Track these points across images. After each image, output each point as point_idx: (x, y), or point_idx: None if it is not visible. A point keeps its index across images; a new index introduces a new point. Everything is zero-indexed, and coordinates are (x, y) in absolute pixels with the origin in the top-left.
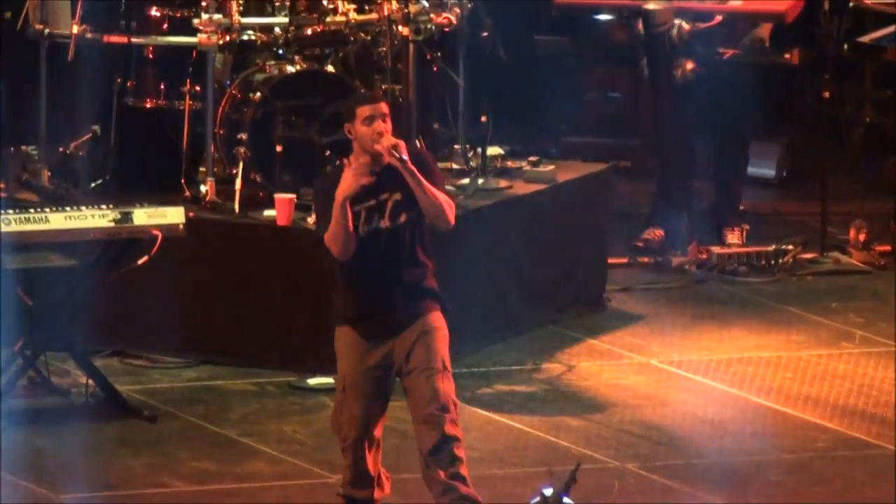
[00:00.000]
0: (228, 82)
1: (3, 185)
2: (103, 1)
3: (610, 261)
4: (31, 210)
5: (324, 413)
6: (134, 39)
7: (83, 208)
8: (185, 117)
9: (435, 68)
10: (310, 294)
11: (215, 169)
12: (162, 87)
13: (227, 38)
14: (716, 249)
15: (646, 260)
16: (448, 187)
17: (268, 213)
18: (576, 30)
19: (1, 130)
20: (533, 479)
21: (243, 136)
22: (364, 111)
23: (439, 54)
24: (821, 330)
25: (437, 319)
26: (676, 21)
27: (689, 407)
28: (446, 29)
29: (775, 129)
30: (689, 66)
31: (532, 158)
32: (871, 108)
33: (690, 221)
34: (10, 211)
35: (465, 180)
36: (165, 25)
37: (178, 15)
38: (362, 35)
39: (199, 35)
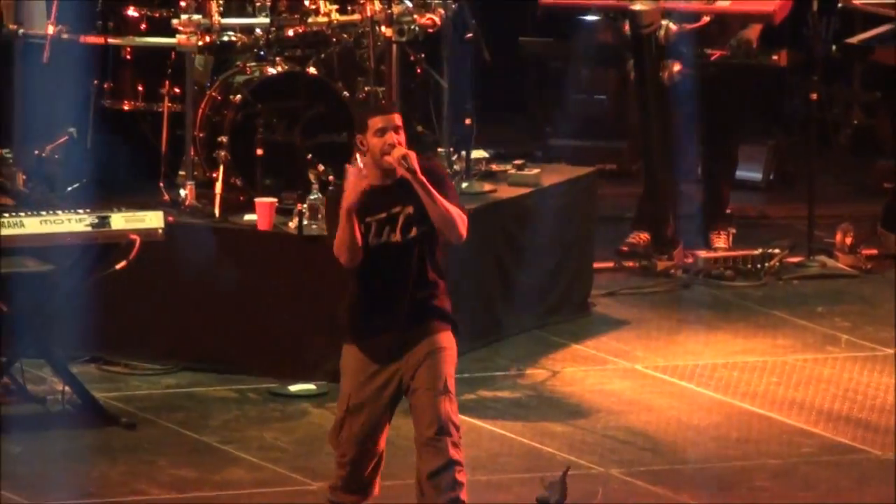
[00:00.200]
0: (208, 84)
1: None
2: (80, 1)
3: (595, 265)
4: (6, 214)
5: (305, 420)
6: (111, 40)
7: (59, 212)
8: (164, 120)
9: (418, 70)
10: (291, 300)
11: (195, 172)
12: (140, 88)
13: (207, 39)
14: (702, 253)
15: (631, 264)
16: None
17: (248, 217)
18: (562, 31)
19: None
20: (517, 485)
21: (223, 138)
22: (376, 122)
23: (423, 56)
24: (807, 334)
25: (446, 339)
26: (663, 22)
27: (674, 412)
28: (430, 30)
29: (762, 131)
30: (676, 67)
31: (517, 162)
32: (860, 110)
33: (677, 225)
34: None
35: None
36: (144, 26)
37: (157, 15)
38: (345, 36)
39: (178, 36)
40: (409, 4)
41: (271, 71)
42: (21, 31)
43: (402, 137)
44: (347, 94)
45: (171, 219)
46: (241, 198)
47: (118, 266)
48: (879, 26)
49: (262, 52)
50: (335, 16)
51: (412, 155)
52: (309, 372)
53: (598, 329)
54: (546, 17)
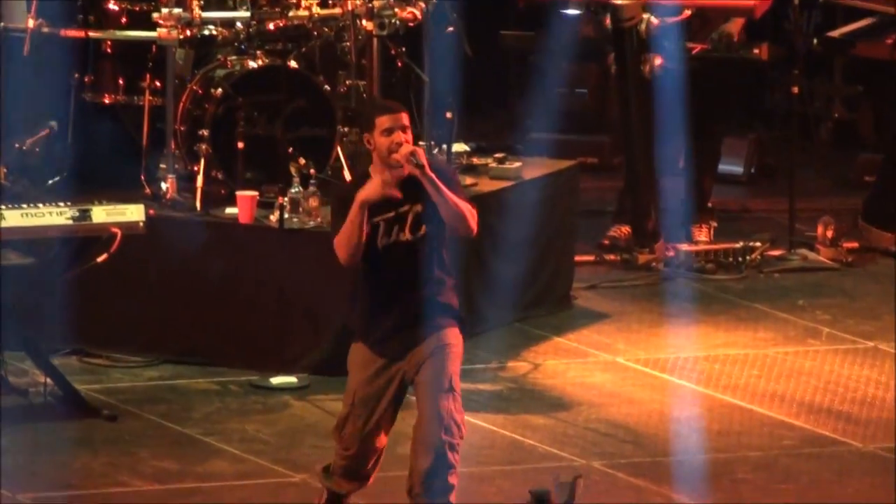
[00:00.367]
0: (189, 78)
1: None
2: None
3: (577, 258)
4: None
5: (286, 412)
6: (92, 34)
7: (40, 206)
8: (145, 113)
9: (399, 64)
10: (272, 293)
11: (176, 166)
12: (121, 82)
13: (188, 32)
14: (683, 246)
15: (612, 257)
16: None
17: (230, 210)
18: (543, 25)
19: None
20: (499, 477)
21: (204, 132)
22: (384, 122)
23: (404, 49)
24: (788, 327)
25: (453, 335)
26: (644, 16)
27: (656, 405)
28: (411, 24)
29: (743, 124)
30: (657, 61)
31: (498, 155)
32: (841, 104)
33: (658, 218)
34: None
35: None
36: (124, 19)
37: (138, 9)
38: (326, 30)
39: (158, 29)
40: None
41: (252, 65)
42: (1, 24)
43: (409, 136)
44: (328, 88)
45: (152, 212)
46: (223, 191)
47: (99, 259)
48: (860, 20)
49: (242, 46)
50: (316, 9)
51: (420, 151)
52: (290, 365)
53: (580, 322)
54: (527, 10)
